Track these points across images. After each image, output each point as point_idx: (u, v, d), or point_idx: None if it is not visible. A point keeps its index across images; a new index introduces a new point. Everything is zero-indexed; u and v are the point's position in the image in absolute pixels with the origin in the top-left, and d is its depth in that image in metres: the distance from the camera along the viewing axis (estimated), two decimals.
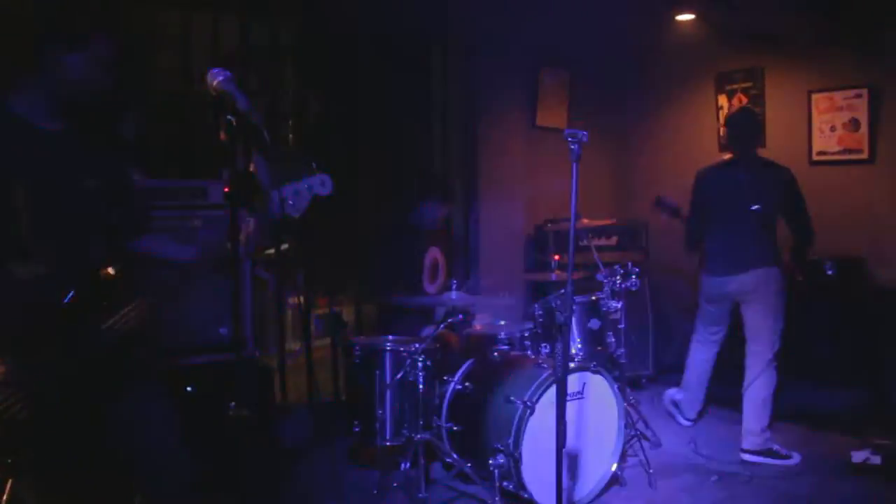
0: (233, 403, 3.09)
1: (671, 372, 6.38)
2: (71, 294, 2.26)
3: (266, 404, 4.44)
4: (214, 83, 2.25)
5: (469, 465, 4.05)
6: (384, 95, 5.64)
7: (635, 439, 4.69)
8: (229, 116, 2.22)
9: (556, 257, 5.92)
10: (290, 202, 2.66)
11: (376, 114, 5.67)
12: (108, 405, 2.40)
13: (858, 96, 5.59)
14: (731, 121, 5.00)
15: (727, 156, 5.08)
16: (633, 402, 4.96)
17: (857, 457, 4.47)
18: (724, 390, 5.60)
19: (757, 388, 4.80)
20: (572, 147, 2.83)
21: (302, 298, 5.97)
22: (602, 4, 5.78)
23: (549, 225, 5.87)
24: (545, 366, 4.01)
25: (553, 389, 3.84)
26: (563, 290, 4.68)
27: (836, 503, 4.16)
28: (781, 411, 5.41)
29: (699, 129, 6.57)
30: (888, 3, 5.30)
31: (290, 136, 5.78)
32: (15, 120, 2.37)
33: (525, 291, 5.99)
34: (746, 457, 4.72)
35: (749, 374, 4.85)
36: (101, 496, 2.46)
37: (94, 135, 2.54)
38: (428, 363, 4.08)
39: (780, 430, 5.25)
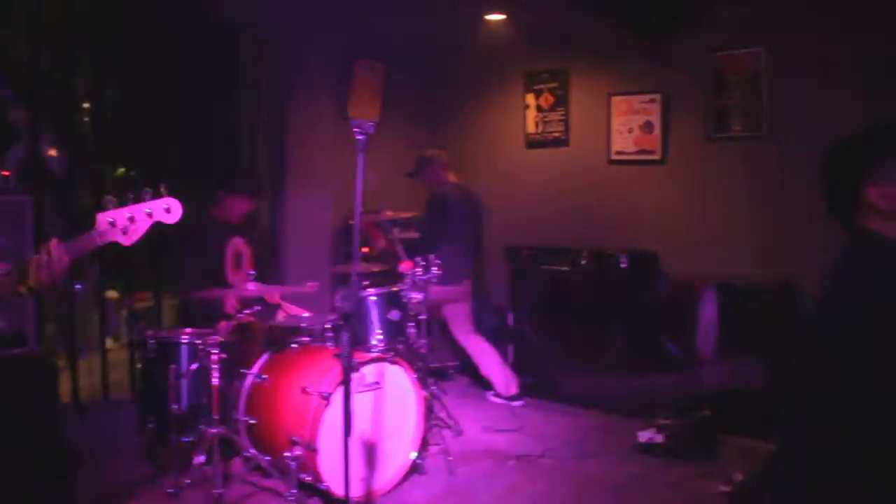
0: None
1: None
2: None
3: (49, 404, 4.19)
4: None
5: (267, 458, 4.00)
6: (189, 83, 5.45)
7: (437, 428, 4.78)
8: None
9: (364, 249, 5.94)
10: (121, 228, 2.47)
11: (181, 102, 5.47)
12: None
13: (652, 101, 5.91)
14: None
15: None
16: (435, 391, 5.04)
17: (643, 437, 4.76)
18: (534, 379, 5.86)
19: None
20: (359, 138, 2.82)
21: (111, 293, 5.74)
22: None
23: (363, 217, 5.86)
24: (339, 356, 4.00)
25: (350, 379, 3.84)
26: (365, 282, 4.72)
27: (624, 479, 4.40)
28: (579, 398, 5.69)
29: (508, 126, 6.75)
30: (679, 17, 5.64)
31: (87, 120, 5.48)
32: None
33: (333, 283, 5.96)
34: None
35: None
36: None
37: None
38: (224, 356, 3.98)
39: (578, 415, 5.51)
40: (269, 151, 6.03)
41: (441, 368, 6.35)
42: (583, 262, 5.75)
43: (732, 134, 5.52)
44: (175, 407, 4.03)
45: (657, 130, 5.89)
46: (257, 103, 6.03)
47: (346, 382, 2.96)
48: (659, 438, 4.69)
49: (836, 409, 1.76)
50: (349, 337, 2.95)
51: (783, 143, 5.23)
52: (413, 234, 6.01)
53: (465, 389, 6.16)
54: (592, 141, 6.22)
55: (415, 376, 4.20)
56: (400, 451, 4.17)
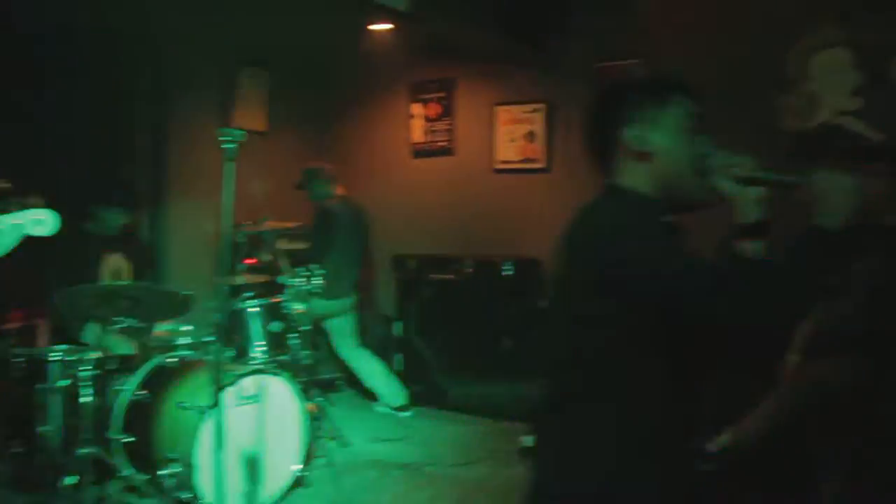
0: None
1: None
2: None
3: None
4: None
5: (144, 477, 3.88)
6: (66, 90, 5.24)
7: (323, 440, 4.74)
8: None
9: (250, 261, 5.84)
10: None
11: (56, 110, 5.25)
12: None
13: (536, 110, 6.03)
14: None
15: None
16: (320, 403, 5.00)
17: (527, 441, 4.82)
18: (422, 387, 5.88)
19: None
20: (227, 146, 2.77)
21: None
22: (302, 8, 5.78)
23: (241, 228, 5.77)
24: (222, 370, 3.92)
25: (228, 393, 3.78)
26: (248, 294, 4.65)
27: (505, 484, 4.45)
28: (467, 406, 5.74)
29: (394, 136, 6.78)
30: (562, 28, 5.78)
31: None
32: None
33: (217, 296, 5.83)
34: None
35: None
36: None
37: None
38: (98, 372, 3.84)
39: (465, 423, 5.56)
40: (150, 161, 5.85)
41: (329, 380, 6.30)
42: (468, 271, 5.81)
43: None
44: (45, 429, 3.86)
45: (541, 140, 6.01)
46: (137, 111, 5.84)
47: (215, 394, 2.90)
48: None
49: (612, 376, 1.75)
50: (219, 348, 2.88)
51: None
52: (301, 245, 5.95)
53: (353, 400, 6.13)
54: (478, 150, 6.30)
55: (297, 388, 4.15)
56: (283, 463, 4.10)
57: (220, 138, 2.74)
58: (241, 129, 6.20)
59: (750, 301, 1.62)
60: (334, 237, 5.47)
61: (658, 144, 1.78)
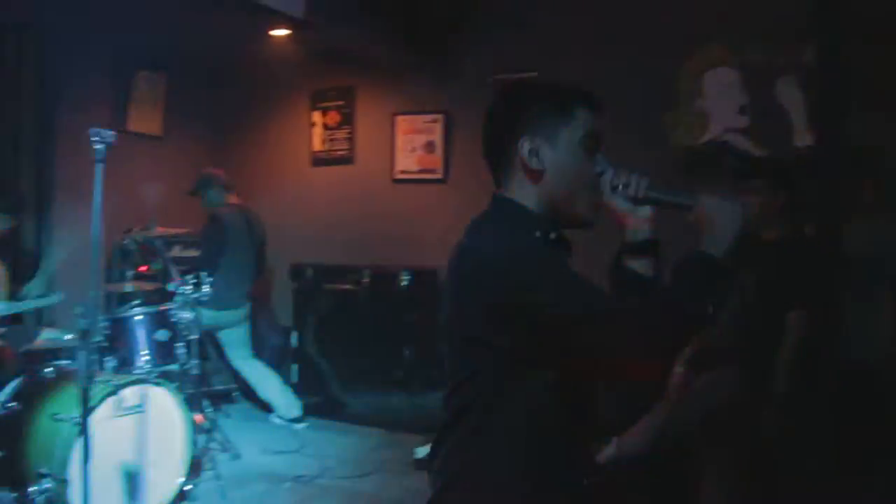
0: None
1: None
2: None
3: None
4: None
5: (14, 495, 3.69)
6: None
7: (213, 452, 4.62)
8: None
9: (143, 268, 5.67)
10: None
11: None
12: None
13: (435, 121, 6.05)
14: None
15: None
16: (209, 414, 4.88)
17: (420, 452, 4.81)
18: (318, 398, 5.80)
19: None
20: (97, 147, 2.67)
21: None
22: (202, 12, 5.65)
23: (130, 233, 5.60)
24: (99, 380, 3.78)
25: (107, 404, 3.65)
26: (135, 302, 4.51)
27: (399, 495, 4.42)
28: (363, 417, 5.69)
29: (295, 144, 6.70)
30: (461, 39, 5.82)
31: None
32: None
33: (107, 304, 5.63)
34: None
35: None
36: None
37: None
38: None
39: (361, 434, 5.51)
40: (35, 163, 5.62)
41: (224, 391, 6.16)
42: (365, 281, 5.77)
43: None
44: None
45: (439, 150, 6.03)
46: (23, 113, 5.60)
47: (83, 405, 2.78)
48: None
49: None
50: (86, 356, 2.77)
51: None
52: (194, 253, 5.81)
53: (248, 412, 6.00)
54: (377, 159, 6.28)
55: (181, 398, 4.03)
56: (166, 477, 3.97)
57: (91, 139, 2.62)
58: (136, 132, 6.20)
59: (636, 331, 1.61)
60: (225, 245, 5.35)
61: (551, 161, 1.75)
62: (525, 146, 1.75)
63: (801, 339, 3.44)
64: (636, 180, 1.77)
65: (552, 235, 1.77)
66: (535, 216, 1.76)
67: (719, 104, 5.19)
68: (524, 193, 1.78)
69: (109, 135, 2.65)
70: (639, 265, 1.81)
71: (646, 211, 1.79)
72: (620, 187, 1.77)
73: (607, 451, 3.57)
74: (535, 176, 1.76)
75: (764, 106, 4.98)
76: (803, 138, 4.82)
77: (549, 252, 1.75)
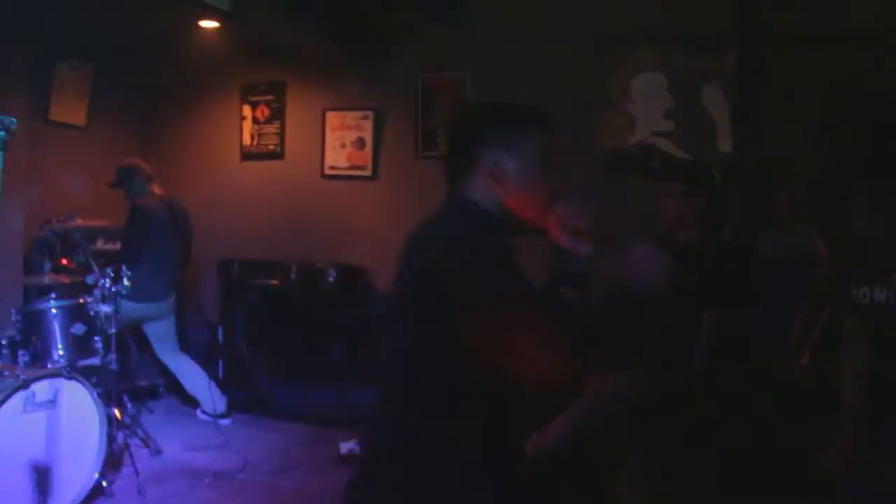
0: None
1: None
2: None
3: None
4: None
5: None
6: None
7: (132, 448, 4.55)
8: None
9: (65, 261, 5.57)
10: None
11: None
12: None
13: (365, 117, 6.05)
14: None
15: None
16: (130, 410, 4.82)
17: (344, 448, 4.82)
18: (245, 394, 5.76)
19: None
20: None
21: None
22: (129, 0, 5.58)
23: (49, 225, 5.49)
24: (8, 374, 3.70)
25: (16, 398, 3.58)
26: (51, 294, 4.43)
27: (321, 490, 4.41)
28: (290, 413, 5.67)
29: (224, 137, 6.62)
30: (392, 36, 5.83)
31: None
32: None
33: (23, 297, 5.51)
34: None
35: None
36: None
37: None
38: None
39: (286, 430, 5.49)
40: None
41: (149, 386, 6.08)
42: (293, 277, 5.75)
43: (439, 152, 5.77)
44: None
45: (369, 147, 6.03)
46: None
47: None
48: (359, 449, 4.76)
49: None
50: None
51: None
52: (117, 246, 5.72)
53: (173, 408, 5.93)
54: (307, 155, 6.25)
55: (95, 393, 3.97)
56: (80, 473, 3.91)
57: None
58: (58, 121, 6.08)
59: (555, 352, 1.67)
60: (149, 237, 5.27)
61: (513, 170, 1.85)
62: (489, 156, 1.86)
63: (713, 339, 3.50)
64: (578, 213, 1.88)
65: (508, 239, 1.86)
66: (495, 218, 1.86)
67: (646, 108, 5.29)
68: (484, 195, 1.87)
69: (11, 122, 2.58)
70: (572, 296, 1.88)
71: (586, 249, 1.86)
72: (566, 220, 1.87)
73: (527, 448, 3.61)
74: (499, 181, 1.85)
75: (689, 110, 5.10)
76: (726, 144, 4.94)
77: (504, 254, 1.81)
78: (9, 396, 3.53)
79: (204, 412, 5.60)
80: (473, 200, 1.86)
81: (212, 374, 5.74)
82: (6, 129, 2.52)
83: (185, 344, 5.86)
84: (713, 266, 3.54)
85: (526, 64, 5.28)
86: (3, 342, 4.13)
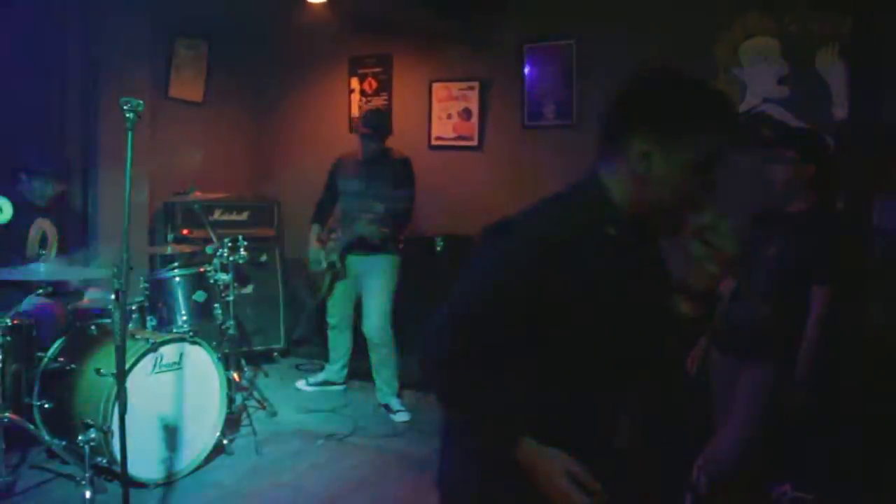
0: None
1: (301, 345, 6.60)
2: None
3: None
4: None
5: (64, 443, 3.89)
6: None
7: (250, 409, 4.78)
8: None
9: (186, 232, 5.86)
10: None
11: None
12: None
13: (471, 88, 6.09)
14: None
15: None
16: (247, 373, 5.05)
17: None
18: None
19: None
20: (128, 115, 2.73)
21: None
22: None
23: (172, 198, 5.75)
24: (139, 337, 3.95)
25: (147, 360, 3.83)
26: (174, 263, 4.67)
27: (429, 455, 4.47)
28: (404, 379, 5.79)
29: (333, 110, 6.77)
30: (496, 7, 5.84)
31: None
32: None
33: (151, 265, 5.83)
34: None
35: None
36: None
37: None
38: (9, 339, 3.81)
39: (405, 396, 5.60)
40: (80, 129, 5.80)
41: (265, 351, 6.34)
42: (401, 247, 5.84)
43: (544, 123, 5.78)
44: None
45: (475, 117, 6.08)
46: (67, 78, 5.77)
47: (119, 361, 2.93)
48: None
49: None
50: (120, 316, 2.91)
51: (592, 132, 5.48)
52: (241, 217, 5.98)
53: (288, 371, 6.18)
54: (414, 126, 6.33)
55: (217, 357, 4.19)
56: (203, 432, 4.16)
57: (122, 108, 2.73)
58: (178, 98, 6.36)
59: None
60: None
61: (659, 173, 1.61)
62: (637, 146, 1.61)
63: (825, 315, 3.26)
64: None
65: (613, 231, 1.67)
66: (615, 213, 1.67)
67: (757, 73, 5.15)
68: (616, 185, 1.67)
69: (139, 104, 2.75)
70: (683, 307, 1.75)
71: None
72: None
73: (697, 475, 3.45)
74: (638, 178, 1.63)
75: (803, 76, 4.94)
76: (842, 111, 4.77)
77: (599, 249, 1.65)
78: (141, 357, 3.79)
79: (308, 384, 5.77)
80: (603, 185, 1.67)
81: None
82: (134, 111, 2.68)
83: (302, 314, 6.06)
84: (823, 237, 3.37)
85: (631, 30, 5.21)
86: (134, 308, 4.39)
